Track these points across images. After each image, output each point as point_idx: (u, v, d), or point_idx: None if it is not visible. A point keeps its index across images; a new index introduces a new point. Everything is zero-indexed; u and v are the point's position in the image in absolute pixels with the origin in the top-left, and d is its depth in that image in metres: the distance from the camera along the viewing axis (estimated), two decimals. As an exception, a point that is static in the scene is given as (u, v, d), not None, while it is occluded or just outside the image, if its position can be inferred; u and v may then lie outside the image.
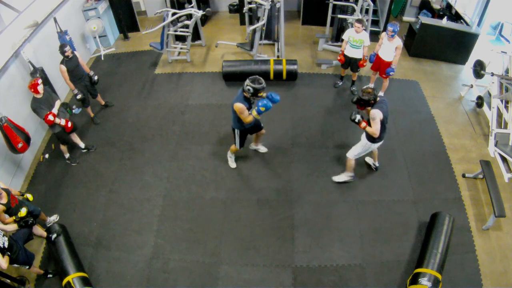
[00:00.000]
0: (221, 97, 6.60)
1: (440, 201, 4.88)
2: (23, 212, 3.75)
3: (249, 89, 4.20)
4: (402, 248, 4.41)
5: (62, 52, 5.21)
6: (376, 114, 4.13)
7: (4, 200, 3.78)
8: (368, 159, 5.28)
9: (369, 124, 4.29)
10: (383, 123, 4.25)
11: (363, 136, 4.59)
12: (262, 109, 4.24)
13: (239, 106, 4.30)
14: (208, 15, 8.71)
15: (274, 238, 4.54)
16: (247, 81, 4.21)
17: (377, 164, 5.20)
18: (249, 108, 4.40)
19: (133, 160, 5.53)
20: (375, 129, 4.21)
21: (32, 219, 3.78)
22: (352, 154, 4.77)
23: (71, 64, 5.34)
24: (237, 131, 4.77)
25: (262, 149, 5.50)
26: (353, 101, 4.36)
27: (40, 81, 4.61)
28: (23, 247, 3.75)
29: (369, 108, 4.25)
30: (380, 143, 4.63)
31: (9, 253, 3.47)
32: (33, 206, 4.26)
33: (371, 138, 4.45)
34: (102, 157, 5.60)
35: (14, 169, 5.19)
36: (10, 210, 3.81)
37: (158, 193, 5.06)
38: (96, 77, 5.77)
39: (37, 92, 4.62)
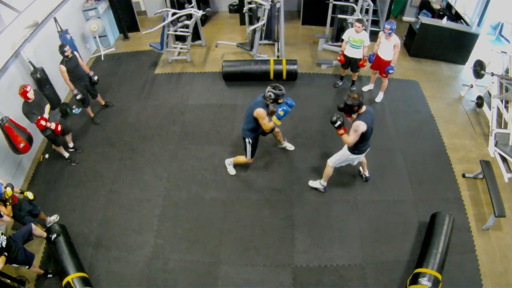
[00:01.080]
0: (221, 97, 6.61)
1: (440, 201, 4.88)
2: (8, 191, 3.76)
3: (270, 95, 4.27)
4: (402, 248, 4.41)
5: (62, 52, 5.21)
6: (360, 127, 3.95)
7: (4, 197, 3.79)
8: (360, 168, 5.11)
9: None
10: (364, 135, 4.07)
11: (346, 145, 4.41)
12: (281, 113, 4.34)
13: (261, 111, 4.34)
14: (208, 15, 8.70)
15: (274, 238, 4.54)
16: (269, 88, 4.28)
17: (366, 174, 5.05)
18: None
19: (133, 160, 5.53)
20: (351, 140, 4.08)
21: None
22: (332, 161, 4.63)
23: (71, 64, 5.34)
24: (248, 140, 4.72)
25: (289, 146, 5.55)
26: (339, 107, 4.18)
27: (29, 88, 4.60)
28: (22, 247, 3.74)
29: (353, 115, 4.09)
30: (361, 156, 4.46)
31: (6, 254, 3.47)
32: (32, 205, 4.28)
33: (352, 149, 4.32)
34: (102, 157, 5.60)
35: (14, 169, 5.20)
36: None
37: (158, 193, 5.06)
38: (96, 77, 5.77)
39: (27, 98, 4.64)
